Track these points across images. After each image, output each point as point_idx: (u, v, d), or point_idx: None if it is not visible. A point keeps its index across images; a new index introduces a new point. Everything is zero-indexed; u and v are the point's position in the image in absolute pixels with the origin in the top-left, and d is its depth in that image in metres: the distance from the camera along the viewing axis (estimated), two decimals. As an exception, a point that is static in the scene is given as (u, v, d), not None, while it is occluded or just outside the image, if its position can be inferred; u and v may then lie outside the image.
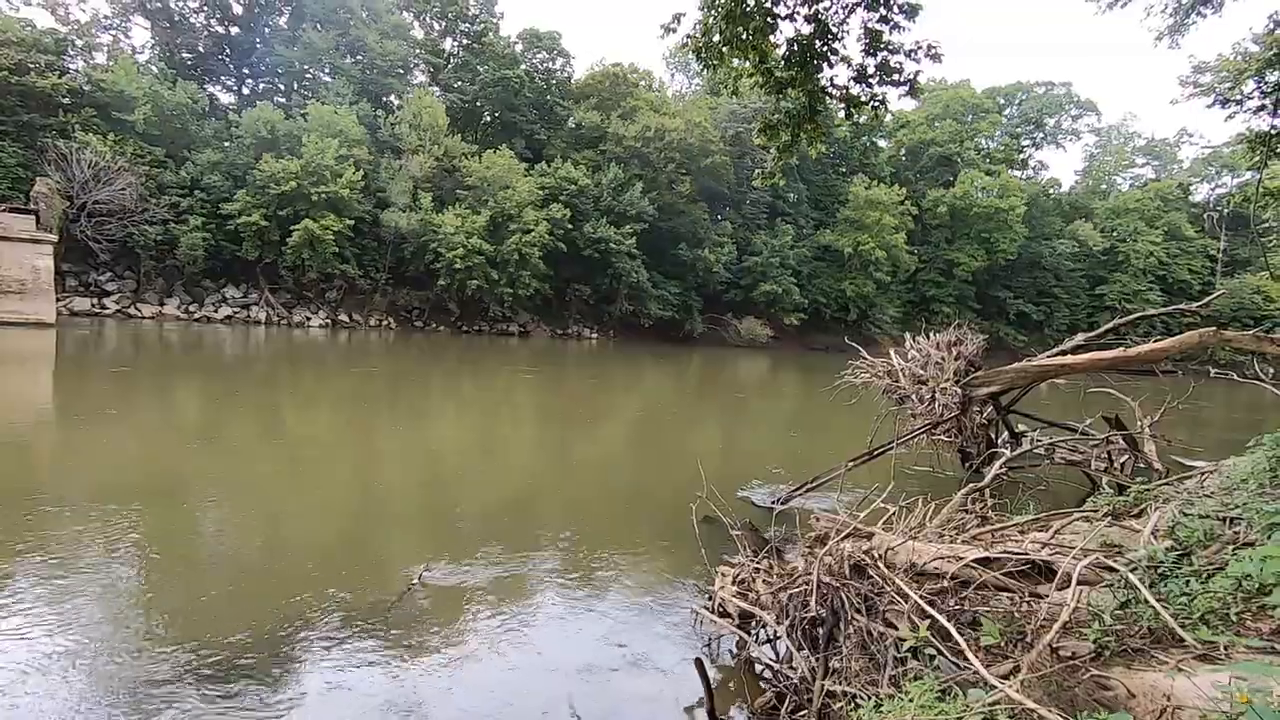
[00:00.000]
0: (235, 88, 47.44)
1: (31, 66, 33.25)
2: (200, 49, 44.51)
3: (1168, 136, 72.09)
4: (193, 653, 4.21)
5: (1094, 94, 72.73)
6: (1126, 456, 9.44)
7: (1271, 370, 9.63)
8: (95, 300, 33.18)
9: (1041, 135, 70.05)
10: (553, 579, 5.85)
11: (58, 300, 28.22)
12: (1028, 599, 3.51)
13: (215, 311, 35.84)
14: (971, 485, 6.32)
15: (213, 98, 44.09)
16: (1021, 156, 68.80)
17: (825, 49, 7.13)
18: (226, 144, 38.71)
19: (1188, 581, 3.38)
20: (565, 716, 3.88)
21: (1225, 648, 2.73)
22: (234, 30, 45.21)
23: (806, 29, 7.06)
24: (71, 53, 37.43)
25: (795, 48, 7.12)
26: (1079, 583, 3.22)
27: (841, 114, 7.69)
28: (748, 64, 7.25)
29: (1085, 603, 3.23)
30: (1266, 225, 13.58)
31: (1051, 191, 68.79)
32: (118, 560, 5.57)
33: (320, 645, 4.42)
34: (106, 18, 41.48)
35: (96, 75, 35.40)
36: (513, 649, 4.59)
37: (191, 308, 35.61)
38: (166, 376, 17.98)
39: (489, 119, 50.50)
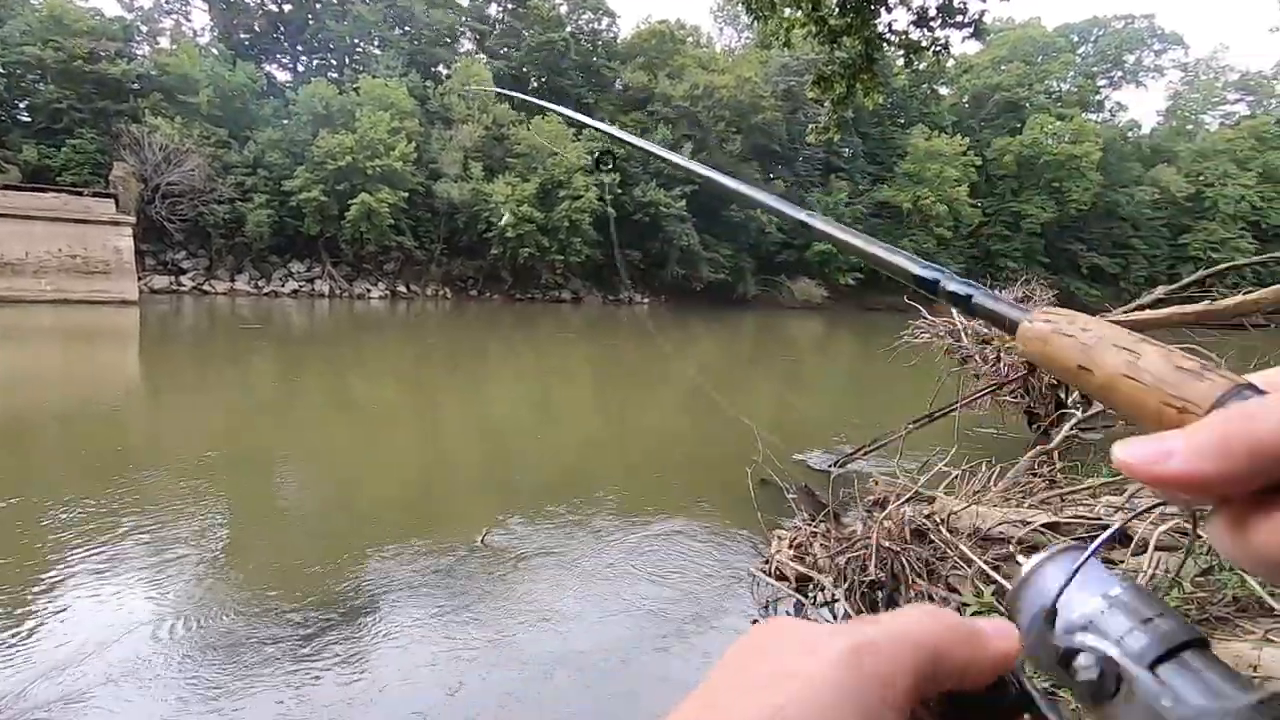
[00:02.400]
0: (290, 65, 48.51)
1: (102, 55, 34.70)
2: (256, 28, 45.56)
3: (1264, 69, 66.01)
4: (273, 610, 4.49)
5: (1180, 26, 67.19)
6: (1210, 416, 8.92)
7: (1379, 321, 8.86)
8: (173, 278, 34.99)
9: (1120, 74, 65.20)
10: (609, 542, 5.97)
11: (139, 279, 29.87)
12: (1100, 565, 3.39)
13: (282, 286, 37.33)
14: (1039, 448, 6.10)
15: (270, 76, 45.23)
16: (1097, 98, 64.26)
17: (883, -8, 6.78)
18: (285, 122, 39.75)
19: (1278, 548, 3.19)
20: (623, 674, 3.99)
21: (1319, 617, 2.58)
22: (287, 8, 46.04)
23: (863, -28, 6.72)
24: (138, 38, 38.88)
25: (851, -7, 6.79)
26: (1157, 548, 3.09)
27: (900, 61, 7.34)
28: (799, 13, 6.95)
29: (1163, 569, 3.10)
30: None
31: (1130, 135, 64.21)
32: (205, 521, 5.97)
33: (391, 604, 4.65)
34: (168, 1, 42.84)
35: (162, 60, 36.73)
36: (570, 610, 4.73)
37: (260, 283, 37.17)
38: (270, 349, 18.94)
39: (536, 85, 50.22)
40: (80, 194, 28.46)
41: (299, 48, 47.96)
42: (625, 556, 5.65)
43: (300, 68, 48.09)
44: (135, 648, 3.98)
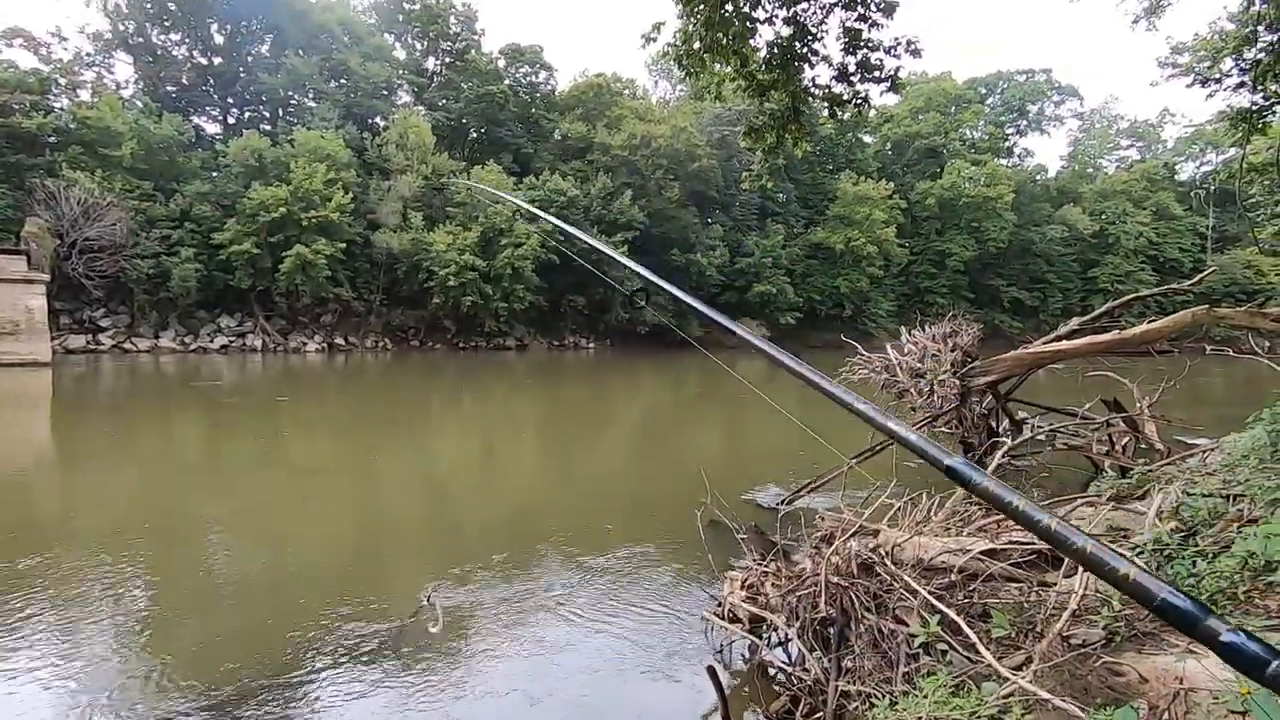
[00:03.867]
0: (220, 118, 47.51)
1: (16, 108, 33.30)
2: (184, 81, 44.59)
3: (1150, 117, 72.39)
4: (206, 686, 4.18)
5: (1075, 79, 73.29)
6: (1128, 438, 9.46)
7: (1267, 344, 9.64)
8: (90, 337, 33.13)
9: (1025, 123, 70.43)
10: (561, 593, 5.83)
11: (53, 339, 28.18)
12: (1036, 588, 3.51)
13: (211, 341, 35.81)
14: (975, 476, 6.31)
15: (199, 129, 44.13)
16: (1006, 145, 69.14)
17: (805, 50, 7.17)
18: (214, 174, 38.74)
19: (1194, 562, 3.38)
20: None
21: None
22: (216, 60, 45.34)
23: (785, 31, 7.10)
24: (56, 91, 37.42)
25: (775, 50, 7.16)
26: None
27: (825, 113, 7.73)
28: (729, 69, 7.28)
29: (1094, 589, 3.23)
30: (1252, 200, 13.63)
31: (1038, 178, 69.05)
32: (130, 589, 5.55)
33: (332, 672, 4.40)
34: (89, 55, 41.59)
35: (81, 113, 35.41)
36: (524, 664, 4.57)
37: (187, 339, 35.58)
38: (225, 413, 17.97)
39: (475, 135, 50.64)
40: (-12, 251, 26.87)
41: (229, 100, 47.12)
42: (574, 608, 5.52)
43: (231, 120, 47.16)
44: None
